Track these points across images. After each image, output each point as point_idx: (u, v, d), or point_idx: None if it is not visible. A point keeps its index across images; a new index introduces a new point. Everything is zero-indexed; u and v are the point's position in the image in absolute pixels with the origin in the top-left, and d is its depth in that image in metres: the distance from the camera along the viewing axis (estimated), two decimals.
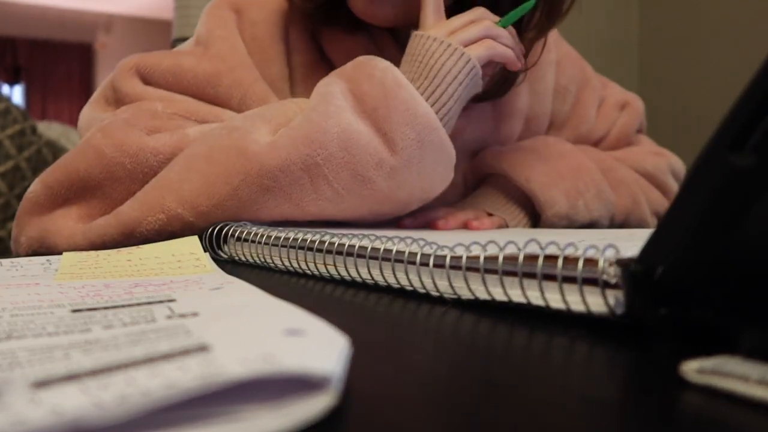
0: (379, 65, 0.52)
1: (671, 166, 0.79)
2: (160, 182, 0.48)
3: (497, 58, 0.56)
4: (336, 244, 0.37)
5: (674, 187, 0.78)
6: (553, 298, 0.25)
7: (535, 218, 0.66)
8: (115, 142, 0.50)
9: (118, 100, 0.58)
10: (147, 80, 0.59)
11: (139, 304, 0.25)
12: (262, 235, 0.43)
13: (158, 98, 0.57)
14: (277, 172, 0.47)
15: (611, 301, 0.23)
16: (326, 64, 0.66)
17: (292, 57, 0.65)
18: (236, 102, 0.59)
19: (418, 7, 0.57)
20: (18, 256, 0.50)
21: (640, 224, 0.72)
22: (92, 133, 0.52)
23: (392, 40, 0.67)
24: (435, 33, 0.54)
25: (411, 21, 0.59)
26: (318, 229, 0.43)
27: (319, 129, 0.48)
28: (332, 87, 0.51)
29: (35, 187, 0.52)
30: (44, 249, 0.51)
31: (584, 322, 0.24)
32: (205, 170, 0.47)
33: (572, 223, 0.65)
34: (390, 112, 0.49)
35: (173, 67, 0.58)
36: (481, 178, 0.69)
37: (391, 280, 0.33)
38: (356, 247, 0.35)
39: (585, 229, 0.62)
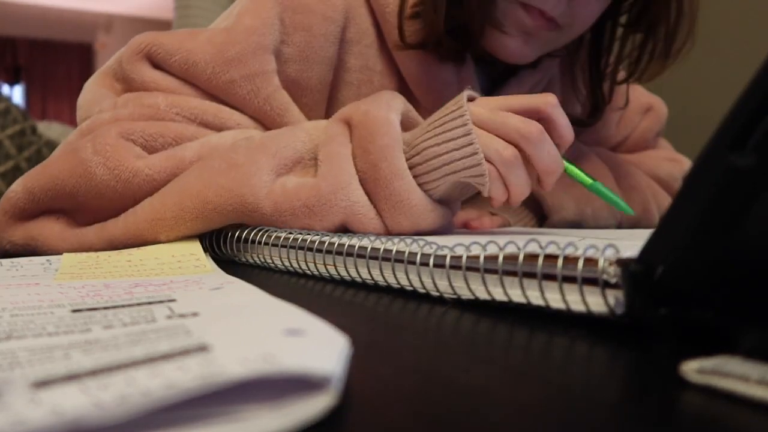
0: (378, 142, 0.45)
1: (685, 173, 0.79)
2: (152, 213, 0.46)
3: (494, 193, 0.45)
4: (336, 244, 0.37)
5: None
6: (553, 297, 0.25)
7: (542, 220, 0.66)
8: (107, 163, 0.47)
9: (125, 80, 0.55)
10: (157, 66, 0.55)
11: (139, 304, 0.25)
12: (262, 235, 0.43)
13: (165, 88, 0.54)
14: (274, 222, 0.45)
15: (611, 301, 0.23)
16: (392, 71, 0.62)
17: (348, 58, 0.61)
18: (252, 110, 0.55)
19: (566, 42, 0.56)
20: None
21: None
22: (83, 142, 0.49)
23: (474, 73, 0.63)
24: (476, 111, 0.45)
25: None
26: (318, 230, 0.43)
27: (326, 202, 0.44)
28: (344, 148, 0.46)
29: (17, 187, 0.49)
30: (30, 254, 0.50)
31: (584, 322, 0.24)
32: (199, 209, 0.45)
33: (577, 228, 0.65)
34: (387, 204, 0.44)
35: (185, 63, 0.54)
36: None
37: (391, 280, 0.33)
38: (356, 247, 0.35)
39: (585, 229, 0.62)
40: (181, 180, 0.46)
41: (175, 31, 0.58)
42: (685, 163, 0.80)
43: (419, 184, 0.45)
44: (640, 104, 0.80)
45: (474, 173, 0.44)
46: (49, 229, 0.48)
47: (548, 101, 0.45)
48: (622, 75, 0.66)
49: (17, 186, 0.49)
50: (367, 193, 0.45)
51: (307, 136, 0.48)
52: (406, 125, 0.49)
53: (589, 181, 0.46)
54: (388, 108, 0.46)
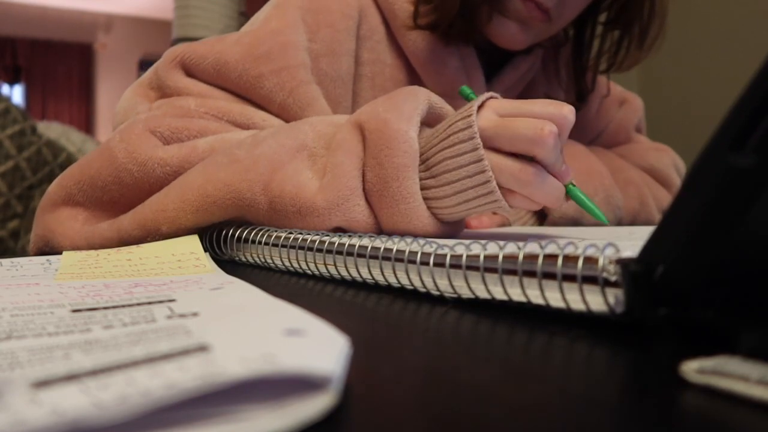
0: (394, 159, 0.42)
1: (674, 161, 0.81)
2: (159, 205, 0.47)
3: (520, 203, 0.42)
4: (336, 244, 0.37)
5: (678, 182, 0.80)
6: (553, 296, 0.25)
7: (542, 218, 0.67)
8: (128, 148, 0.50)
9: (160, 87, 0.59)
10: (190, 73, 0.59)
11: (139, 304, 0.25)
12: (262, 235, 0.43)
13: (197, 93, 0.57)
14: (271, 219, 0.45)
15: (611, 299, 0.23)
16: (401, 63, 0.67)
17: (362, 52, 0.65)
18: (276, 106, 0.58)
19: (554, 33, 0.62)
20: (29, 252, 0.52)
21: (647, 225, 0.73)
22: (115, 133, 0.52)
23: (477, 58, 0.69)
24: (483, 126, 0.41)
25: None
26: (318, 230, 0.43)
27: (319, 215, 0.43)
28: (350, 158, 0.44)
29: (52, 185, 0.53)
30: (49, 249, 0.51)
31: (584, 322, 0.24)
32: (199, 201, 0.45)
33: (577, 225, 0.65)
34: (389, 219, 0.43)
35: (217, 64, 0.58)
36: None
37: (392, 280, 0.33)
38: (356, 246, 0.35)
39: (585, 228, 0.62)
40: (187, 175, 0.48)
41: (203, 39, 0.62)
42: (671, 152, 0.83)
43: (431, 207, 0.42)
44: (616, 97, 0.86)
45: (489, 201, 0.41)
46: (69, 223, 0.51)
47: (564, 113, 0.40)
48: (603, 66, 0.74)
49: (53, 182, 0.53)
50: (371, 202, 0.44)
51: (309, 127, 0.48)
52: (435, 119, 0.46)
53: (594, 213, 0.42)
54: (409, 120, 0.43)
